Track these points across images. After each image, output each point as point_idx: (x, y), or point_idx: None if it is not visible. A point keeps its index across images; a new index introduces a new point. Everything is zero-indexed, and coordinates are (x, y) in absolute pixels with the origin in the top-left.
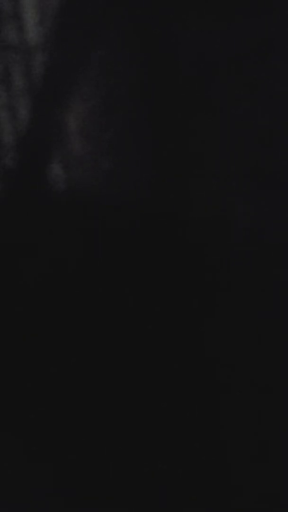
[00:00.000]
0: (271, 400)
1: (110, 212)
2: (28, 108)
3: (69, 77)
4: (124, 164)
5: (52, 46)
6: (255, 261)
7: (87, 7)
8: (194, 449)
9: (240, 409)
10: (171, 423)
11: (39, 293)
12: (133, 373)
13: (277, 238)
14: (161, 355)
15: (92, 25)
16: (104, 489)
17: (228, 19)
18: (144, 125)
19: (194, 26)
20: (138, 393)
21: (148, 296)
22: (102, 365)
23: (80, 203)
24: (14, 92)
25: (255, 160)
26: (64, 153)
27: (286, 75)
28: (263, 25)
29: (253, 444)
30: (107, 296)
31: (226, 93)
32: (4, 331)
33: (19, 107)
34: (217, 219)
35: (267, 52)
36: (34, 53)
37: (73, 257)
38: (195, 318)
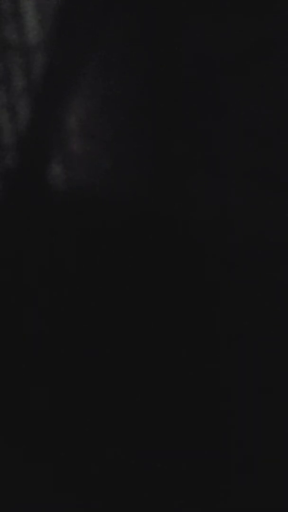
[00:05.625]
0: (274, 403)
1: (110, 212)
2: (28, 108)
3: (69, 77)
4: (124, 164)
5: (52, 46)
6: (255, 261)
7: (87, 7)
8: (194, 450)
9: (242, 408)
10: (172, 424)
11: (39, 293)
12: (131, 374)
13: (277, 238)
14: (159, 356)
15: (92, 25)
16: (104, 489)
17: (229, 19)
18: (144, 125)
19: (195, 26)
20: (137, 394)
21: (148, 296)
22: (102, 365)
23: (80, 203)
24: (14, 92)
25: (256, 160)
26: (64, 153)
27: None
28: (264, 24)
29: (255, 444)
30: (107, 295)
31: (227, 93)
32: (3, 331)
33: (19, 107)
34: (217, 219)
35: (269, 51)
36: (34, 53)
37: (73, 257)
38: (194, 318)
